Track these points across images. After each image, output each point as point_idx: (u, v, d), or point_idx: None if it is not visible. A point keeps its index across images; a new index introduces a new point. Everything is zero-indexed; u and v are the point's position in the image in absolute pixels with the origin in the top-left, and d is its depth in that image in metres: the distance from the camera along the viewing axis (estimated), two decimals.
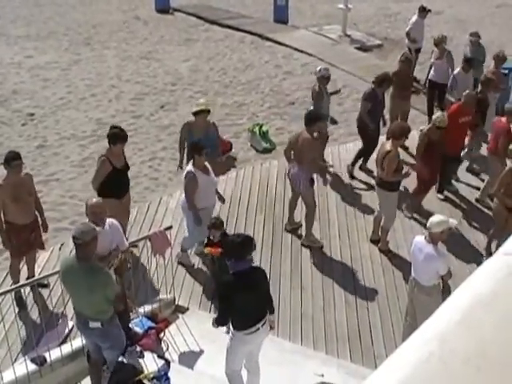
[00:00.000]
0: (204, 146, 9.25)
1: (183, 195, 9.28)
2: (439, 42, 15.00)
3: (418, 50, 17.57)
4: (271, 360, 7.70)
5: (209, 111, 10.54)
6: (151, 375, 6.50)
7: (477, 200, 11.73)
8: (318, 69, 12.35)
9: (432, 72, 15.10)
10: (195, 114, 10.42)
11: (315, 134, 10.09)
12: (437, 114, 10.88)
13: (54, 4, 25.68)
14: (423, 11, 17.25)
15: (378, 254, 10.19)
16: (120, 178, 9.18)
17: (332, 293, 9.30)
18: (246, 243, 6.48)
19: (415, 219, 11.01)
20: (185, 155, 10.42)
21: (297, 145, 10.02)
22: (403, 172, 9.77)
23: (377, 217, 10.39)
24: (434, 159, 10.64)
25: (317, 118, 10.11)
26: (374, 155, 11.48)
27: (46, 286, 8.99)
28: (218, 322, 6.69)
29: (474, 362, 1.78)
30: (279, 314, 8.76)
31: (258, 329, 6.54)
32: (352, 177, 12.41)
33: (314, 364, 7.78)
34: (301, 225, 10.68)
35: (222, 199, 9.71)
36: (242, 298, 6.37)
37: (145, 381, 6.45)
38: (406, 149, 12.48)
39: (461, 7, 25.49)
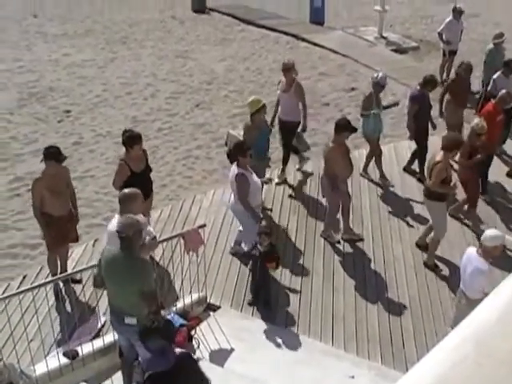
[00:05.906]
0: (249, 147, 9.08)
1: (232, 198, 9.21)
2: (288, 69, 11.33)
3: (453, 52, 17.29)
4: (302, 360, 7.71)
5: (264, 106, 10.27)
6: None
7: None
8: (375, 74, 11.89)
9: (279, 108, 11.74)
10: (255, 112, 10.16)
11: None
12: (475, 120, 10.69)
13: (91, 3, 25.93)
14: (456, 11, 16.95)
15: (411, 256, 10.10)
16: (139, 181, 8.79)
17: (364, 294, 9.26)
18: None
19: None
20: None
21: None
22: (451, 184, 9.51)
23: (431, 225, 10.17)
24: (477, 165, 10.59)
25: (344, 127, 9.70)
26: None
27: (79, 281, 9.09)
28: None
29: (509, 364, 1.77)
30: (311, 314, 8.77)
31: None
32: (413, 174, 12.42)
33: (344, 365, 7.76)
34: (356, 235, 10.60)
35: None
36: None
37: None
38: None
39: (498, 10, 25.17)
